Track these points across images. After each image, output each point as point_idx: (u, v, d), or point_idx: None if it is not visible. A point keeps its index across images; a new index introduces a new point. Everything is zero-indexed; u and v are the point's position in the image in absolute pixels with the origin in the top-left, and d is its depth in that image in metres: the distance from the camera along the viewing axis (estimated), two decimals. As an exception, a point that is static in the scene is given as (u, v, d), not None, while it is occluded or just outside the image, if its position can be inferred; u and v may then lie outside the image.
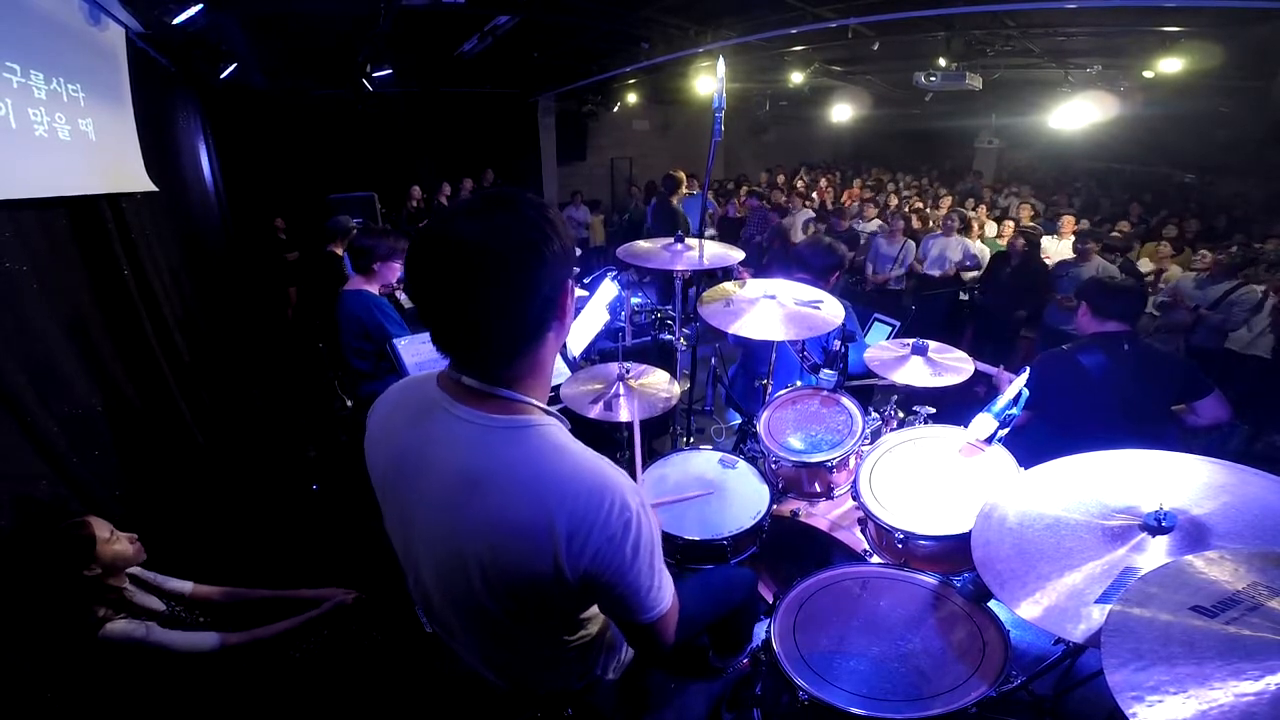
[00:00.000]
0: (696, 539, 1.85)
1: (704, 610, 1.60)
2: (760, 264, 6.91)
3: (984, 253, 6.05)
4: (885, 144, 13.39)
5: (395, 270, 3.04)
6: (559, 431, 0.97)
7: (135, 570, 1.94)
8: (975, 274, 5.96)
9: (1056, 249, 6.12)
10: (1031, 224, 6.72)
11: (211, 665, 1.89)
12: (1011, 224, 6.46)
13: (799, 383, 2.41)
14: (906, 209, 7.55)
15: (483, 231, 0.84)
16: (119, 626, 1.75)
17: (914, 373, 2.21)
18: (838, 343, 2.20)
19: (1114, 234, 6.37)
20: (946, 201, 7.88)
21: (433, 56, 6.76)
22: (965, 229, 6.21)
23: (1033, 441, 2.13)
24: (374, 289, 3.02)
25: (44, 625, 1.74)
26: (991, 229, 6.80)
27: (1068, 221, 6.26)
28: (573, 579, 0.91)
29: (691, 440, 2.98)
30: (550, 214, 0.89)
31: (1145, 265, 6.07)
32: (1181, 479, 1.28)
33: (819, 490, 2.12)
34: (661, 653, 1.10)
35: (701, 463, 2.22)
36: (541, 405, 0.97)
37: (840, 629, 1.49)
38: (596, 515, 0.88)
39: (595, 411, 2.23)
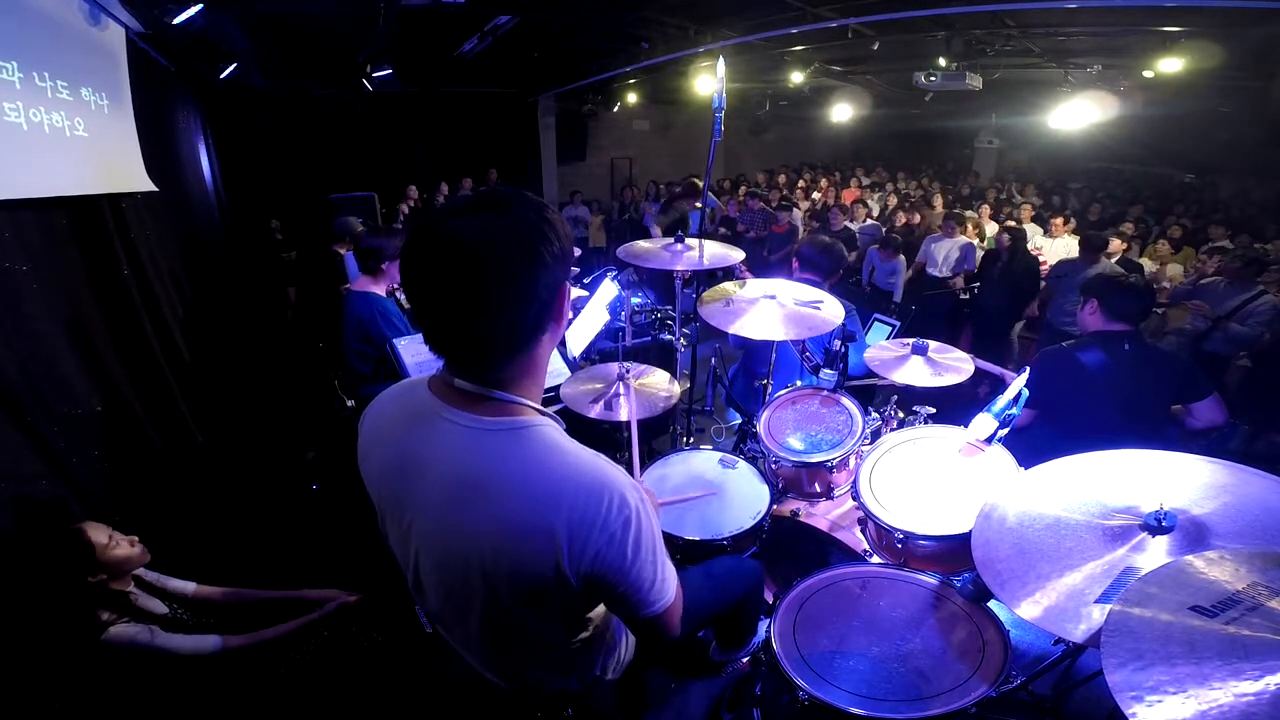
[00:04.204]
0: (697, 539, 1.85)
1: (709, 603, 1.59)
2: (763, 259, 6.94)
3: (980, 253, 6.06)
4: (885, 144, 13.38)
5: None
6: (554, 432, 0.96)
7: (139, 571, 1.94)
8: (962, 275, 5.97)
9: (1051, 248, 6.12)
10: (1014, 223, 6.71)
11: (214, 668, 1.89)
12: (1012, 223, 6.45)
13: (799, 383, 2.41)
14: (899, 216, 7.55)
15: (479, 231, 0.83)
16: (122, 630, 1.75)
17: (914, 373, 2.21)
18: (838, 343, 2.21)
19: (1120, 232, 6.36)
20: (939, 201, 7.89)
21: (433, 56, 6.76)
22: (962, 228, 6.21)
23: (1033, 441, 2.13)
24: (381, 290, 3.02)
25: (46, 630, 1.74)
26: (990, 229, 6.81)
27: (1057, 222, 6.27)
28: (575, 580, 0.91)
29: (691, 440, 2.98)
30: (549, 214, 0.88)
31: (1146, 264, 6.07)
32: (1181, 479, 1.27)
33: (819, 490, 2.12)
34: (666, 645, 1.10)
35: (701, 463, 2.22)
36: (536, 406, 0.97)
37: (840, 629, 1.49)
38: (596, 515, 0.88)
39: (595, 411, 2.23)
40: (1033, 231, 6.26)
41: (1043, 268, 5.67)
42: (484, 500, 0.90)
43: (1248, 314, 4.28)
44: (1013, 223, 6.36)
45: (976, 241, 6.21)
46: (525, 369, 0.94)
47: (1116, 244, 5.35)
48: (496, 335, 0.88)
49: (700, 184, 6.32)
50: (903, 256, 6.19)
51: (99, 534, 1.77)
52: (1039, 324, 5.49)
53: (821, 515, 2.11)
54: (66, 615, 1.72)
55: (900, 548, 1.73)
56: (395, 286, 3.13)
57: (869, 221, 7.33)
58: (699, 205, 6.28)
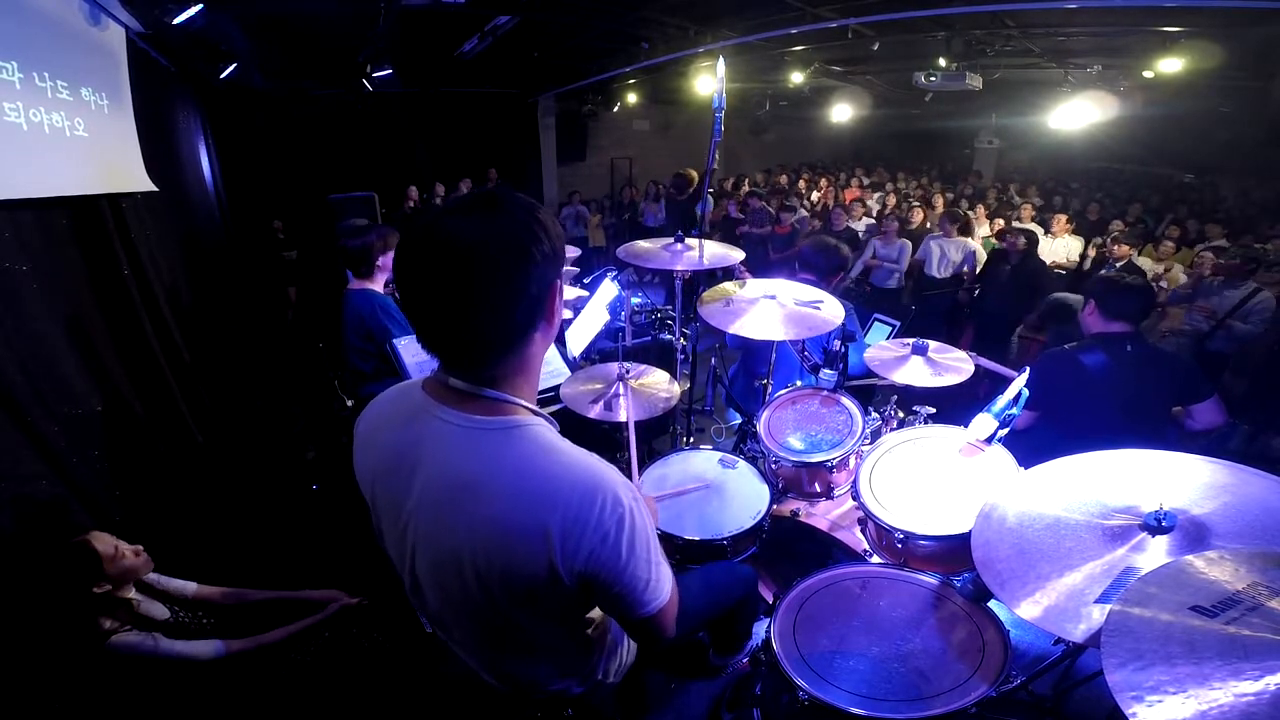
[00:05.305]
0: (696, 539, 1.85)
1: (704, 607, 1.60)
2: (766, 259, 6.95)
3: (982, 255, 6.06)
4: (885, 144, 13.39)
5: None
6: (547, 431, 0.96)
7: None
8: (967, 274, 5.96)
9: (1051, 248, 6.12)
10: (1028, 226, 6.71)
11: (215, 671, 1.89)
12: (1001, 222, 6.45)
13: (799, 383, 2.41)
14: (902, 212, 7.55)
15: (471, 231, 0.83)
16: (126, 639, 1.75)
17: (914, 373, 2.21)
18: (838, 343, 2.21)
19: (1113, 232, 6.35)
20: (940, 201, 7.88)
21: (433, 56, 6.76)
22: (965, 229, 6.20)
23: (1033, 441, 2.13)
24: (378, 286, 3.02)
25: (50, 639, 1.74)
26: (983, 230, 6.80)
27: (1058, 221, 6.27)
28: (569, 580, 0.91)
29: (691, 440, 2.98)
30: (540, 214, 0.89)
31: (1145, 265, 6.07)
32: (1181, 479, 1.27)
33: (819, 490, 2.12)
34: (661, 645, 1.10)
35: (701, 463, 2.22)
36: (529, 406, 0.97)
37: (840, 629, 1.49)
38: (589, 515, 0.88)
39: (595, 411, 2.23)
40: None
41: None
42: (476, 501, 0.90)
43: (1248, 311, 4.33)
44: (1016, 224, 6.37)
45: (977, 242, 6.21)
46: (517, 367, 0.95)
47: (1124, 249, 5.34)
48: (488, 333, 0.89)
49: (693, 175, 6.32)
50: (908, 241, 6.16)
51: (105, 544, 1.77)
52: (1045, 326, 5.49)
53: (821, 515, 2.11)
54: (70, 625, 1.72)
55: (900, 548, 1.73)
56: (392, 285, 3.12)
57: (868, 220, 7.33)
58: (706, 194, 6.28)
